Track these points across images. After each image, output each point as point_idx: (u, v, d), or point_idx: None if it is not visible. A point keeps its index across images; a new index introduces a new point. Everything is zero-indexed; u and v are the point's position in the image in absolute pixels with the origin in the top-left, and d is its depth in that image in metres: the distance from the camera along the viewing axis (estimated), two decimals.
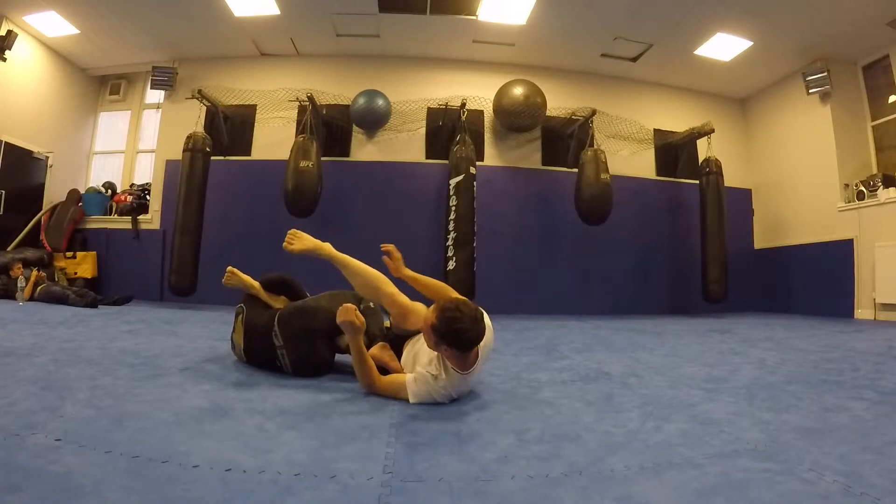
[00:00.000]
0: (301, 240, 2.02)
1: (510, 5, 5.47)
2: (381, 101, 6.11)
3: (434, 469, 1.10)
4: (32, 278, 5.07)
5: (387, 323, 2.11)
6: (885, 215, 5.34)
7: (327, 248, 1.99)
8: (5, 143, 5.78)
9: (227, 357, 2.42)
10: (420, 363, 1.73)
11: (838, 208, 5.85)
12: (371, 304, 2.18)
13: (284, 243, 2.02)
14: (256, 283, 2.33)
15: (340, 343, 2.11)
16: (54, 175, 6.50)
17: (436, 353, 1.67)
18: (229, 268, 2.37)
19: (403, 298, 1.86)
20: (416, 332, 1.87)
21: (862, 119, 6.01)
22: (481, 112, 6.44)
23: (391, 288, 1.87)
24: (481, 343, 1.66)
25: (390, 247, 2.00)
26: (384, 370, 1.85)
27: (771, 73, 6.56)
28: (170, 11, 5.58)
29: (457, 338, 1.57)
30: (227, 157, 6.21)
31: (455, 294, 1.86)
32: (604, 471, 1.11)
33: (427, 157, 6.42)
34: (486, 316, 1.72)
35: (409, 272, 1.98)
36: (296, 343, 2.03)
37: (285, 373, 2.06)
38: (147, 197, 6.56)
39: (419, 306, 1.88)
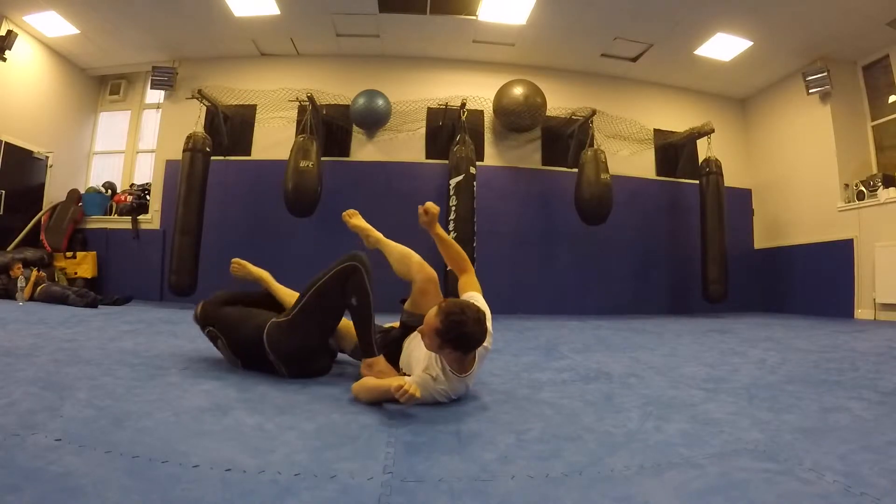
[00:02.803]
0: (359, 217, 2.29)
1: (510, 5, 5.47)
2: (381, 101, 6.11)
3: (434, 469, 1.10)
4: (32, 278, 5.07)
5: (395, 324, 2.11)
6: (885, 215, 5.34)
7: (377, 233, 2.22)
8: (5, 143, 5.78)
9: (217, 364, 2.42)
10: (417, 364, 1.74)
11: (838, 208, 5.85)
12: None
13: (345, 214, 2.29)
14: (265, 274, 2.33)
15: (334, 346, 2.10)
16: (54, 175, 6.50)
17: (432, 354, 1.68)
18: (236, 259, 2.42)
19: (430, 268, 1.99)
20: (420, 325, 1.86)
21: (862, 119, 6.01)
22: (481, 112, 6.43)
23: (418, 257, 2.03)
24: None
25: (429, 203, 2.11)
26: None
27: (771, 73, 6.56)
28: (170, 11, 5.58)
29: (461, 341, 1.58)
30: (227, 157, 6.20)
31: (471, 268, 2.02)
32: (604, 471, 1.11)
33: (427, 157, 6.41)
34: (487, 315, 1.72)
35: (440, 231, 2.11)
36: (293, 360, 1.98)
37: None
38: (147, 197, 6.56)
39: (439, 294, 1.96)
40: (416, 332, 1.87)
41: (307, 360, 2.02)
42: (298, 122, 6.12)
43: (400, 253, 2.06)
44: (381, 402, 1.65)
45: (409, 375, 1.77)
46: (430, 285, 1.95)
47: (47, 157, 6.41)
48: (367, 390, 1.67)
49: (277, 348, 1.94)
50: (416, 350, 1.80)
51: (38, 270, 5.29)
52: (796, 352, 2.97)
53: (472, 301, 1.73)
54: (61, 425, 1.29)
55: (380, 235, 2.21)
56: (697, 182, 6.22)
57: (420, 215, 2.08)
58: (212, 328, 2.15)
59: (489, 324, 1.74)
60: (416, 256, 2.03)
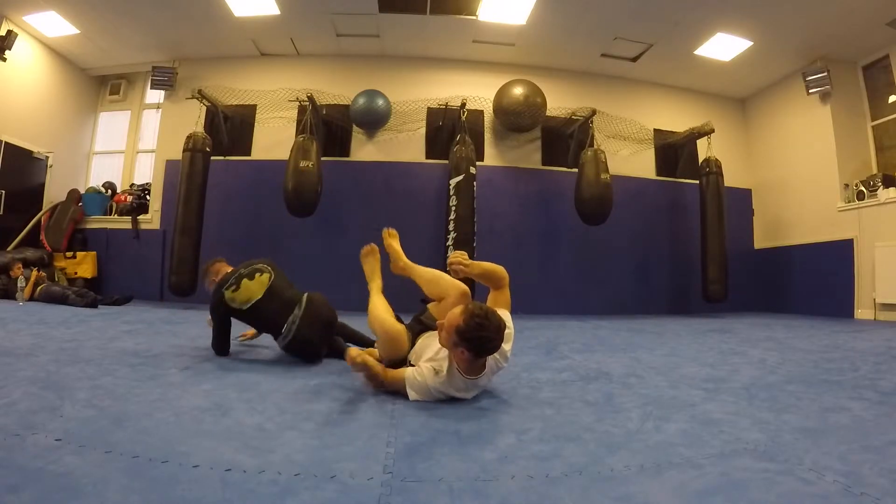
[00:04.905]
0: (397, 240, 2.30)
1: (510, 5, 5.47)
2: (381, 101, 6.11)
3: (434, 469, 1.10)
4: (32, 278, 5.07)
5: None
6: (885, 215, 5.33)
7: (406, 260, 2.23)
8: (5, 143, 5.78)
9: (227, 357, 2.43)
10: (424, 357, 1.76)
11: (838, 208, 5.85)
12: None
13: (386, 232, 2.28)
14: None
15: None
16: (54, 175, 6.50)
17: (443, 350, 1.70)
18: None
19: (461, 283, 1.98)
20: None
21: (862, 119, 6.01)
22: (481, 112, 6.43)
23: (448, 276, 2.02)
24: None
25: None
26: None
27: (771, 73, 6.56)
28: (170, 11, 5.58)
29: (478, 344, 1.59)
30: (227, 157, 6.21)
31: (506, 284, 1.99)
32: (604, 471, 1.11)
33: (427, 157, 6.41)
34: (510, 333, 1.75)
35: (475, 270, 1.97)
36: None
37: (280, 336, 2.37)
38: (147, 197, 6.57)
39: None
40: (432, 332, 1.88)
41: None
42: (298, 122, 6.12)
43: (429, 276, 2.07)
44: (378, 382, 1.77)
45: (413, 366, 1.79)
46: (464, 299, 1.93)
47: (47, 157, 6.41)
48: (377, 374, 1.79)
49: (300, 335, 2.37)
50: (429, 348, 1.82)
51: (38, 270, 5.29)
52: (796, 352, 2.97)
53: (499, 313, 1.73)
54: (61, 425, 1.29)
55: (408, 262, 2.22)
56: (697, 182, 6.22)
57: (454, 274, 1.96)
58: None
59: (509, 345, 1.77)
60: (445, 277, 2.03)
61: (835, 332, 4.02)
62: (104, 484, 0.95)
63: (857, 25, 5.28)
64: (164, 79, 6.37)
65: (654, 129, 6.88)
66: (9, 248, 5.74)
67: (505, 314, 1.81)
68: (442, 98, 6.28)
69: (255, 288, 2.40)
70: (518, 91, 6.06)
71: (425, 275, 2.07)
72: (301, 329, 2.33)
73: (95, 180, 7.01)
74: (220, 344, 2.46)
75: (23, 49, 5.84)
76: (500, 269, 1.99)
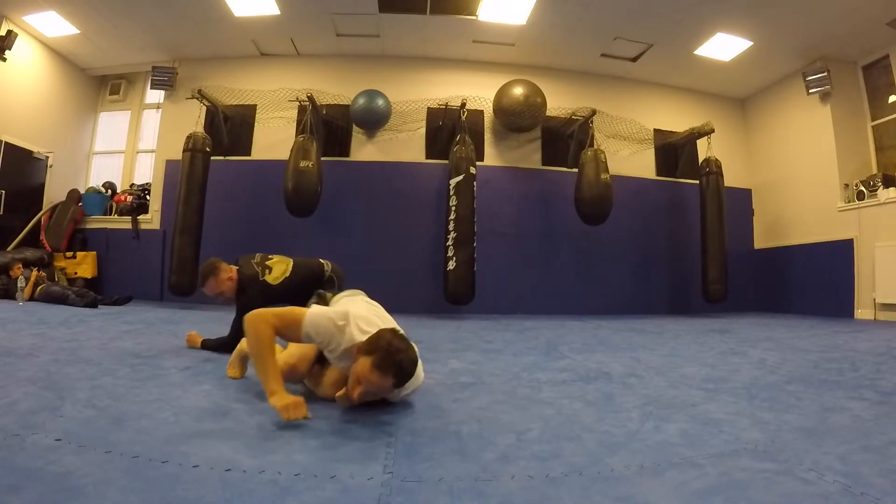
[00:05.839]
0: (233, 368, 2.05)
1: (510, 5, 5.47)
2: (381, 101, 6.11)
3: (434, 469, 1.10)
4: (32, 278, 5.07)
5: None
6: (885, 215, 5.33)
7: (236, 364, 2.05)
8: (5, 143, 5.78)
9: (227, 357, 2.42)
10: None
11: (838, 208, 5.85)
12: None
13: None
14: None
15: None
16: (54, 175, 6.50)
17: (353, 344, 1.52)
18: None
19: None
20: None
21: (862, 119, 6.01)
22: (481, 112, 6.43)
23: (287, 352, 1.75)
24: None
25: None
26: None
27: (771, 73, 6.56)
28: (170, 11, 5.58)
29: (407, 376, 1.46)
30: (227, 157, 6.21)
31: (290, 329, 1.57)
32: (604, 471, 1.11)
33: (427, 157, 6.41)
34: (338, 313, 1.58)
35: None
36: None
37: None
38: (147, 197, 6.56)
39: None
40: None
41: None
42: (298, 122, 6.12)
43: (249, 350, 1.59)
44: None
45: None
46: (304, 359, 1.70)
47: (47, 157, 6.41)
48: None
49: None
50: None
51: (38, 270, 5.29)
52: (796, 352, 2.97)
53: (372, 321, 1.56)
54: (61, 425, 1.29)
55: (236, 356, 2.03)
56: (697, 182, 6.22)
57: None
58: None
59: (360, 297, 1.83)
60: (269, 352, 1.55)
61: (835, 332, 4.02)
62: (104, 484, 0.95)
63: (857, 25, 5.28)
64: (164, 79, 6.37)
65: (654, 129, 6.88)
66: (9, 248, 5.74)
67: (343, 305, 1.65)
68: (442, 98, 6.28)
69: (283, 260, 2.76)
70: (518, 91, 6.06)
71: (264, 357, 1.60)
72: (336, 269, 2.92)
73: (95, 180, 7.01)
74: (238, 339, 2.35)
75: (23, 49, 5.84)
76: (264, 334, 1.52)
